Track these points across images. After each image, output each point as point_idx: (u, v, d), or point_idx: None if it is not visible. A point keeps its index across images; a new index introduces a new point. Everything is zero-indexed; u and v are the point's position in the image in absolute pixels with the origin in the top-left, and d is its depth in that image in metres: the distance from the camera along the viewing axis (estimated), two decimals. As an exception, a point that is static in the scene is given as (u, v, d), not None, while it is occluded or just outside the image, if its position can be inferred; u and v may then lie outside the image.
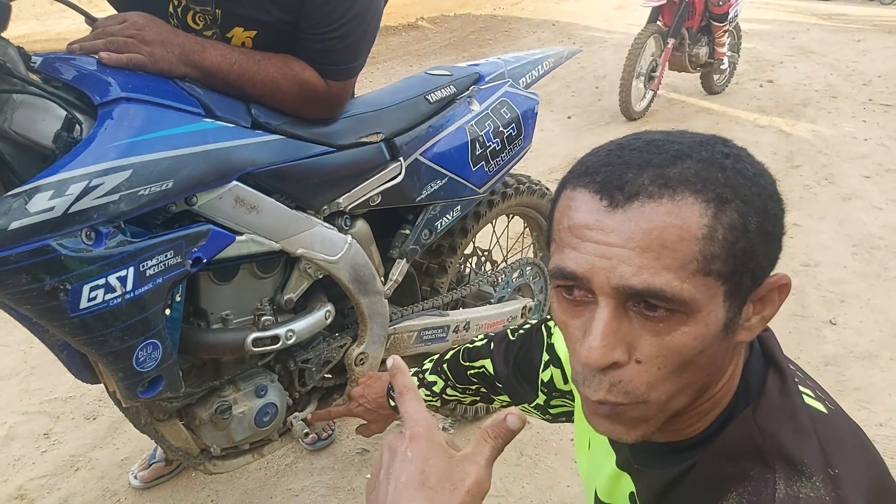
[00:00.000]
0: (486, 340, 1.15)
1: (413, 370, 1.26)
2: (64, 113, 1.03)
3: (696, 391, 0.63)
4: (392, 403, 1.27)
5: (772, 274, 0.62)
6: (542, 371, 1.02)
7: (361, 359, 1.54)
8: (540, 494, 1.88)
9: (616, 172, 0.59)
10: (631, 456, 0.76)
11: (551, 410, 1.06)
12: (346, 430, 2.10)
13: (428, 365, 1.25)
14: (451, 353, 1.21)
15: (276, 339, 1.30)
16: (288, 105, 1.29)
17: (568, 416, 1.06)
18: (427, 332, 1.71)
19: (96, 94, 1.06)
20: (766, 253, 0.60)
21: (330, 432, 2.04)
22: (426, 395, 1.22)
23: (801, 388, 0.68)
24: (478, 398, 1.20)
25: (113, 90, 1.06)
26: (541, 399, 1.05)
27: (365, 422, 1.37)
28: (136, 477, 1.91)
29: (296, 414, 1.48)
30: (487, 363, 1.12)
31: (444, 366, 1.21)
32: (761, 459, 0.61)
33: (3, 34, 0.99)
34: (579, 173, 0.63)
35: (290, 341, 1.33)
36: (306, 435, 1.44)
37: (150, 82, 1.14)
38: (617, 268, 0.57)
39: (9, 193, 0.92)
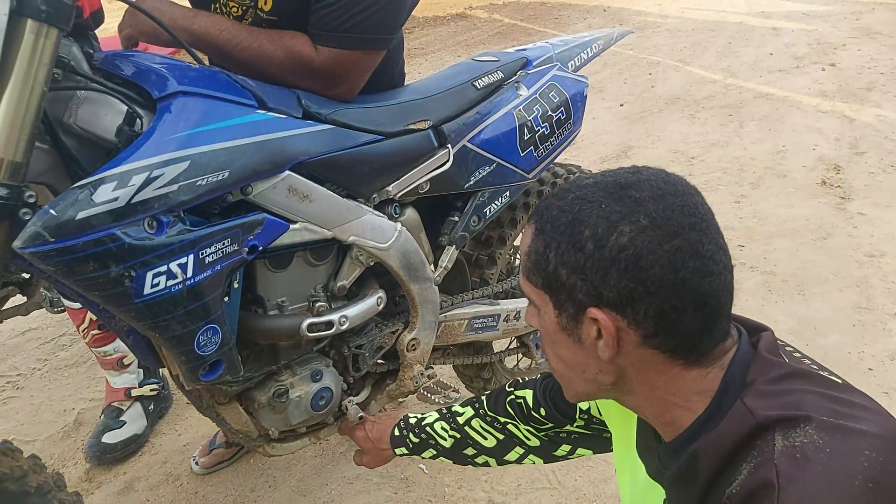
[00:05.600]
0: (538, 377, 1.22)
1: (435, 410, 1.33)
2: (125, 108, 1.07)
3: (586, 383, 0.80)
4: (397, 452, 1.34)
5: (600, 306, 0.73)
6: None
7: (413, 345, 1.56)
8: (593, 487, 1.87)
9: None
10: (659, 461, 0.82)
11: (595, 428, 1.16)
12: (400, 418, 2.13)
13: (461, 408, 1.30)
14: (499, 387, 1.27)
15: (330, 324, 1.33)
16: (276, 70, 1.30)
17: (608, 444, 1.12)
18: (477, 321, 1.71)
19: (155, 89, 1.10)
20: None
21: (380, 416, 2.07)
22: (441, 430, 1.27)
23: (806, 360, 0.76)
24: (496, 443, 1.23)
25: (170, 84, 1.10)
26: (580, 422, 1.14)
27: (362, 449, 1.45)
28: (197, 463, 1.98)
29: (350, 398, 1.50)
30: (528, 394, 1.18)
31: (483, 396, 1.25)
32: (763, 429, 0.67)
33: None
34: None
35: (344, 327, 1.35)
36: (360, 419, 1.47)
37: (206, 76, 1.18)
38: None
39: (75, 185, 0.97)
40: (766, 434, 0.67)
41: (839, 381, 0.72)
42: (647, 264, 0.69)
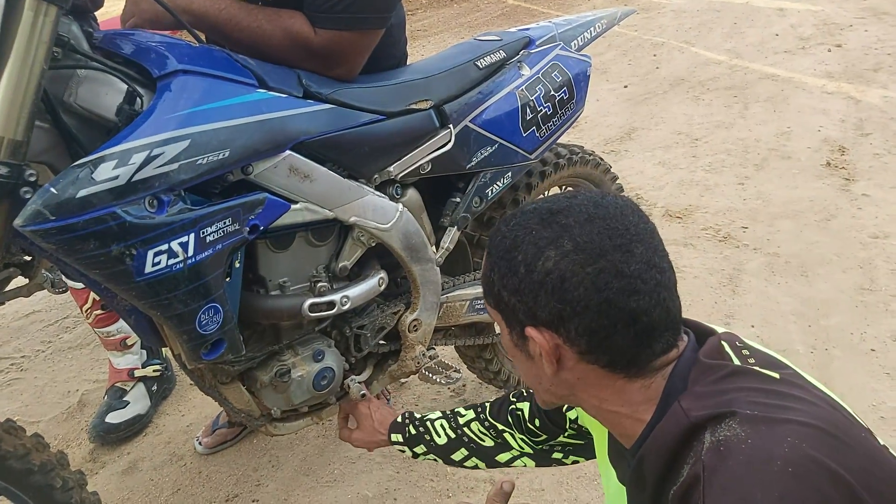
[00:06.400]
0: None
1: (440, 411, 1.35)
2: (125, 86, 1.06)
3: (546, 393, 0.86)
4: (392, 438, 1.36)
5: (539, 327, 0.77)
6: (568, 410, 1.13)
7: (415, 325, 1.56)
8: (594, 466, 1.84)
9: None
10: (628, 467, 0.84)
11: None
12: (401, 402, 2.14)
13: (464, 410, 1.31)
14: (503, 395, 1.29)
15: (331, 304, 1.33)
16: (275, 51, 1.30)
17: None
18: (479, 302, 1.71)
19: (155, 68, 1.09)
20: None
21: (385, 403, 2.07)
22: (439, 426, 1.29)
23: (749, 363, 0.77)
24: (491, 447, 1.25)
25: (170, 63, 1.10)
26: (571, 431, 1.16)
27: (352, 428, 1.47)
28: (200, 443, 1.99)
29: (352, 377, 1.51)
30: (526, 406, 1.21)
31: (488, 403, 1.28)
32: (698, 429, 0.70)
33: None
34: None
35: (346, 307, 1.35)
36: (363, 396, 1.47)
37: (206, 54, 1.17)
38: None
39: (76, 164, 0.97)
40: (700, 434, 0.70)
41: (778, 376, 0.74)
42: (572, 286, 0.73)
